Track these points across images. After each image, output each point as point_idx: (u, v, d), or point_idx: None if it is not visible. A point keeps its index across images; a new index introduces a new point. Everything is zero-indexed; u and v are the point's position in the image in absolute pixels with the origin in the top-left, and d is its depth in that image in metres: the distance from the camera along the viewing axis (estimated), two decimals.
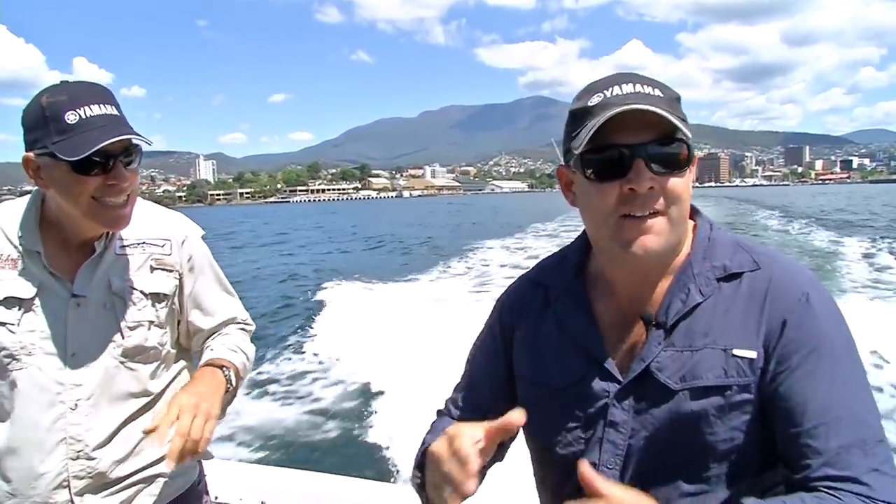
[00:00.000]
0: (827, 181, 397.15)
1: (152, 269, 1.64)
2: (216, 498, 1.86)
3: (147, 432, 1.42)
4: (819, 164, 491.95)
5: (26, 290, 1.50)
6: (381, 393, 7.64)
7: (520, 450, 1.15)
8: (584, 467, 0.81)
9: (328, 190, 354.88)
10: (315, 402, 7.79)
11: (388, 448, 6.10)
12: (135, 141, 1.46)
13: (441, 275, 19.02)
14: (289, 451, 6.38)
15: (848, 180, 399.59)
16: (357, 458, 6.09)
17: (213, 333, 1.78)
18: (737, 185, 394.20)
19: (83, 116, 1.38)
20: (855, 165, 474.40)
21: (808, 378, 0.95)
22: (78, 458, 1.53)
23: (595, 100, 1.00)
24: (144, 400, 1.62)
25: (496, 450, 0.97)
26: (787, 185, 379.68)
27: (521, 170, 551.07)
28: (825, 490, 0.88)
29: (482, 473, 0.96)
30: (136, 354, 1.60)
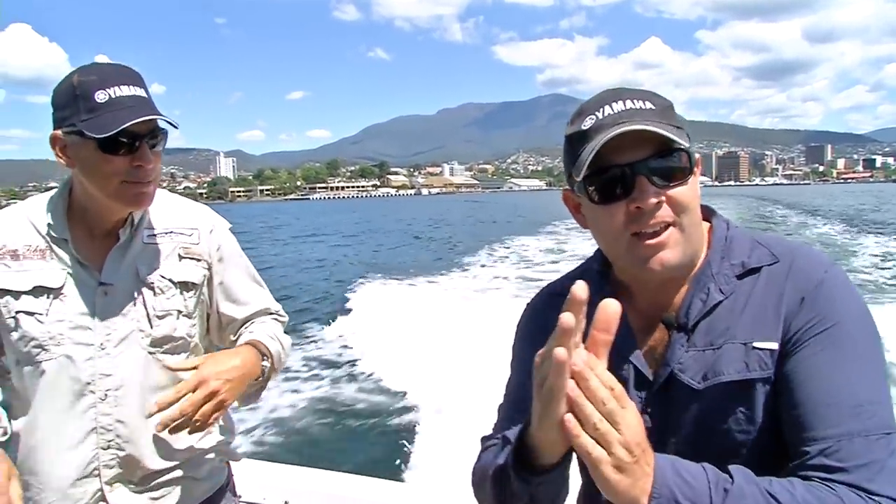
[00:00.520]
0: (849, 180, 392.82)
1: (181, 257, 1.64)
2: (240, 497, 1.92)
3: (161, 402, 1.42)
4: (841, 163, 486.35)
5: (55, 279, 1.50)
6: (406, 394, 7.59)
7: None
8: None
9: (347, 187, 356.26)
10: (340, 402, 7.78)
11: (412, 450, 6.07)
12: (161, 124, 1.46)
13: (470, 272, 18.96)
14: (313, 450, 6.37)
15: (871, 179, 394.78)
16: (381, 459, 6.07)
17: (247, 323, 1.79)
18: (756, 184, 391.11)
19: (112, 96, 1.38)
20: (878, 164, 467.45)
21: (815, 359, 0.93)
22: (109, 447, 1.53)
23: (588, 122, 1.00)
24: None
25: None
26: (808, 183, 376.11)
27: (539, 168, 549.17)
28: (820, 479, 0.86)
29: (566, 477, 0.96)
30: (164, 344, 1.59)
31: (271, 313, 1.84)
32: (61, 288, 1.50)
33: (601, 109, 1.01)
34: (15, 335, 1.49)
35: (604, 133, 0.96)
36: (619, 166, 0.98)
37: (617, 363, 1.00)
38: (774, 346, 0.96)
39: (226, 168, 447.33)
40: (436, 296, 14.35)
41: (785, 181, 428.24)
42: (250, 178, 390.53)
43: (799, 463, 0.89)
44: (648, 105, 1.00)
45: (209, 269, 1.69)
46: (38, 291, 1.49)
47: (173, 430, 1.41)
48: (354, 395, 7.91)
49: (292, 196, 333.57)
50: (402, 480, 5.08)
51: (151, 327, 1.57)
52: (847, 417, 0.87)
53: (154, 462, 1.58)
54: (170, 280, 1.60)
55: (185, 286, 1.63)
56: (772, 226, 31.83)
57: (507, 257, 22.83)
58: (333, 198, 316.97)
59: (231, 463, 1.86)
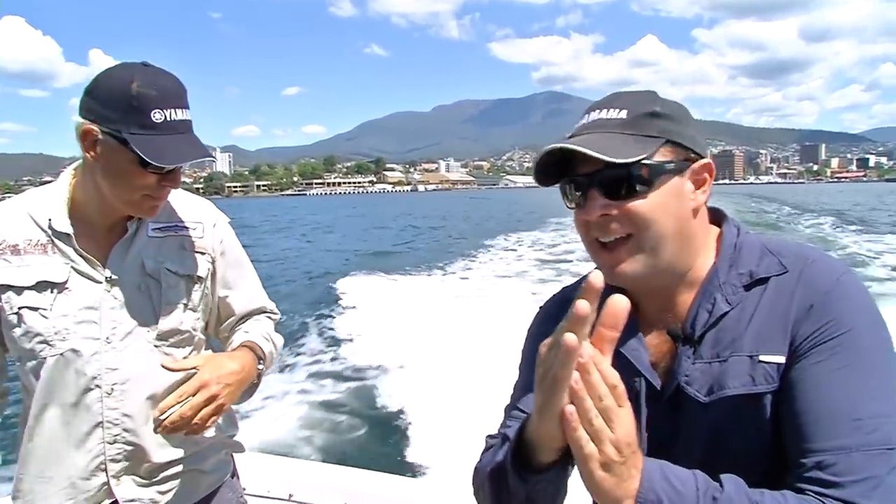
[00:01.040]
0: (842, 179, 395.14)
1: (186, 251, 1.64)
2: (244, 490, 1.92)
3: (163, 406, 1.42)
4: (835, 162, 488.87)
5: (59, 273, 1.48)
6: (409, 389, 7.50)
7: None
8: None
9: (344, 183, 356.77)
10: (343, 396, 7.77)
11: (415, 444, 6.06)
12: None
13: (469, 268, 18.93)
14: (316, 444, 6.38)
15: (864, 178, 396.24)
16: (384, 453, 6.06)
17: (243, 319, 1.79)
18: (751, 183, 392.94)
19: (168, 119, 1.38)
20: (872, 163, 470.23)
21: (818, 367, 0.90)
22: (115, 441, 1.53)
23: (574, 129, 1.02)
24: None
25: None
26: (802, 182, 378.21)
27: None
28: (814, 494, 0.83)
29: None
30: (170, 337, 1.59)
31: (266, 311, 1.85)
32: (66, 282, 1.49)
33: (586, 116, 1.02)
34: (18, 331, 1.48)
35: (561, 144, 0.97)
36: (577, 176, 0.99)
37: (629, 373, 1.00)
38: (781, 359, 0.93)
39: (222, 163, 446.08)
40: (441, 291, 14.42)
41: (779, 180, 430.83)
42: (246, 173, 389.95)
43: (795, 475, 0.87)
44: (622, 114, 0.98)
45: (213, 262, 1.70)
46: (41, 286, 1.48)
47: (171, 432, 1.43)
48: (359, 391, 7.90)
49: (289, 192, 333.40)
50: (404, 475, 5.06)
51: (158, 321, 1.57)
52: (847, 430, 0.85)
53: (160, 455, 1.59)
54: (175, 273, 1.60)
55: (190, 279, 1.63)
56: (767, 223, 32.59)
57: (514, 249, 23.13)
58: (330, 193, 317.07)
59: (236, 456, 1.86)
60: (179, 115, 1.41)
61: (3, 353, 1.56)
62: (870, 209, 44.67)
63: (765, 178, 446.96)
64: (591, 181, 0.97)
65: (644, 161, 0.94)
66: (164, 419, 1.41)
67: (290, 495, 2.69)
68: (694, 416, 0.99)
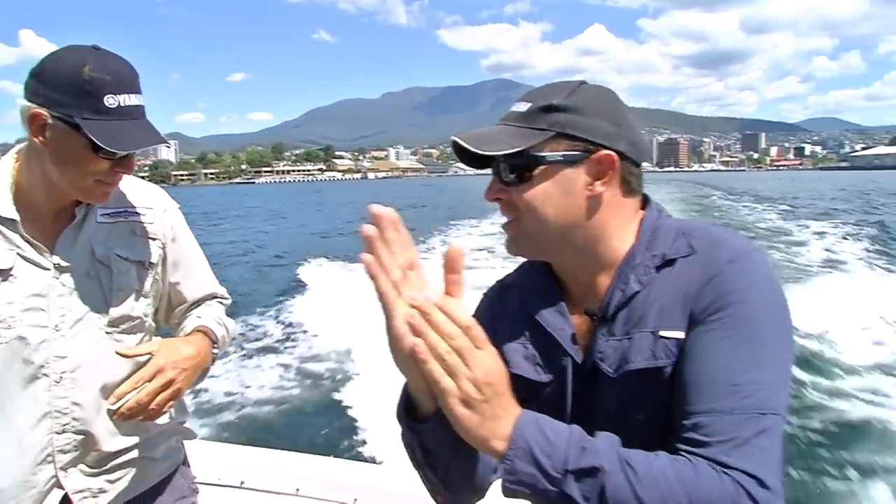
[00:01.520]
0: (781, 167, 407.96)
1: (137, 237, 1.61)
2: (195, 479, 1.91)
3: (119, 393, 1.43)
4: (774, 151, 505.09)
5: (3, 260, 1.44)
6: (359, 374, 7.54)
7: None
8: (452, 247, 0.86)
9: (293, 171, 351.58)
10: (293, 382, 7.77)
11: (365, 429, 6.15)
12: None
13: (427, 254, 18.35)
14: (267, 431, 6.39)
15: (800, 167, 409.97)
16: (335, 438, 6.12)
17: (194, 305, 1.78)
18: (695, 170, 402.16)
19: (122, 104, 1.36)
20: (807, 153, 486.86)
21: (705, 337, 0.95)
22: (64, 431, 1.48)
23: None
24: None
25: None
26: (744, 170, 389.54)
27: None
28: (684, 453, 0.87)
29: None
30: (121, 323, 1.56)
31: (217, 296, 1.84)
32: (10, 269, 1.44)
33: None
34: None
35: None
36: (493, 162, 1.06)
37: (559, 352, 1.09)
38: (681, 335, 0.97)
39: (167, 151, 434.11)
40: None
41: (722, 167, 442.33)
42: (193, 161, 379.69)
43: (675, 437, 0.91)
44: (522, 108, 1.05)
45: (164, 248, 1.67)
46: None
47: (128, 419, 1.43)
48: (310, 376, 7.92)
49: (237, 180, 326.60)
50: (356, 459, 5.12)
51: (108, 307, 1.54)
52: (722, 395, 0.89)
53: (110, 444, 1.55)
54: (126, 259, 1.57)
55: (141, 265, 1.61)
56: (706, 209, 33.40)
57: (469, 234, 22.97)
58: (280, 182, 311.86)
59: (186, 444, 1.84)
60: (133, 100, 1.39)
61: None
62: (805, 196, 46.23)
63: (708, 166, 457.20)
64: (495, 167, 1.05)
65: (524, 152, 1.01)
66: (121, 406, 1.40)
67: (242, 482, 2.67)
68: (606, 392, 1.04)
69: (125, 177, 1.58)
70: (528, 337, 1.14)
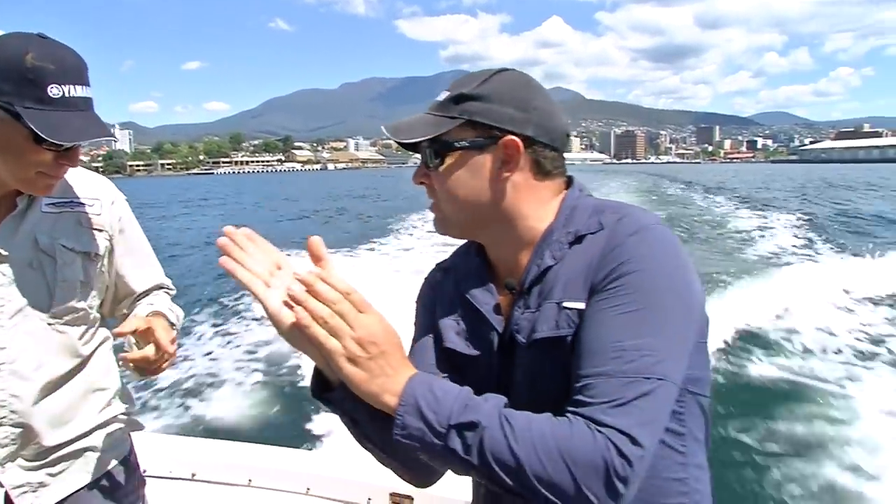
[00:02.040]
0: (734, 160, 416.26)
1: (83, 227, 1.58)
2: (145, 472, 1.84)
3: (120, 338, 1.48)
4: (728, 144, 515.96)
5: None
6: (310, 363, 7.83)
7: None
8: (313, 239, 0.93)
9: (252, 162, 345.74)
10: (245, 372, 7.67)
11: (316, 418, 6.04)
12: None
13: (387, 246, 18.33)
14: (218, 423, 6.31)
15: (753, 159, 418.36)
16: (287, 428, 6.08)
17: (140, 297, 1.77)
18: (652, 162, 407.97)
19: (66, 94, 1.32)
20: (759, 146, 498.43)
21: (598, 306, 0.98)
22: (2, 424, 1.44)
23: None
24: (74, 362, 1.55)
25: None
26: (699, 162, 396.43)
27: None
28: (569, 414, 0.90)
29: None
30: (65, 315, 1.53)
31: (163, 287, 1.83)
32: None
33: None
34: None
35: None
36: (420, 149, 1.12)
37: (485, 327, 1.15)
38: (582, 305, 1.01)
39: (121, 141, 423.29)
40: (357, 267, 13.96)
41: (678, 160, 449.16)
42: (149, 151, 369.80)
43: (567, 400, 0.94)
44: (444, 97, 1.10)
45: (111, 240, 1.65)
46: None
47: (140, 369, 1.48)
48: (261, 365, 7.81)
49: (195, 171, 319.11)
50: (309, 448, 5.15)
51: (52, 298, 1.51)
52: (608, 360, 0.92)
53: (51, 437, 1.52)
54: (71, 250, 1.54)
55: (87, 256, 1.58)
56: (662, 199, 33.76)
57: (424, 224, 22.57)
58: (239, 172, 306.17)
59: (134, 437, 1.80)
60: (79, 91, 1.35)
61: None
62: (757, 188, 47.29)
63: (665, 158, 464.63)
64: (421, 155, 1.13)
65: (438, 139, 1.07)
66: (143, 352, 1.45)
67: (193, 475, 2.64)
68: (520, 361, 1.09)
69: (73, 168, 1.55)
70: (460, 314, 1.19)
